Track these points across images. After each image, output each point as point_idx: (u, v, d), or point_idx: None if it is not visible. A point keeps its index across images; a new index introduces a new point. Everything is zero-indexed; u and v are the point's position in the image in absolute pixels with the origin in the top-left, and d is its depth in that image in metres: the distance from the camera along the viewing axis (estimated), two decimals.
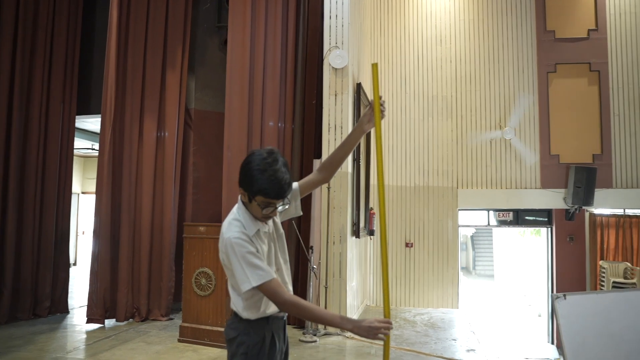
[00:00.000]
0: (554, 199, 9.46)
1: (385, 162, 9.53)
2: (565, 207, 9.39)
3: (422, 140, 9.73)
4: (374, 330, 2.08)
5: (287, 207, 2.33)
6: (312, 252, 5.90)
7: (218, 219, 6.83)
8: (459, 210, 9.59)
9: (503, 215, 9.96)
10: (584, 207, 9.28)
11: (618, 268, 9.06)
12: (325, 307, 5.93)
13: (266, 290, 2.20)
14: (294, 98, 6.44)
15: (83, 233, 15.19)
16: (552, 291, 9.51)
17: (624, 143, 9.49)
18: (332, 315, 2.20)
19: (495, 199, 9.61)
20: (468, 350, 5.22)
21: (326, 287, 5.97)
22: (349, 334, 5.74)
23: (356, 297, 6.91)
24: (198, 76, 7.54)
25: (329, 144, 6.15)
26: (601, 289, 8.98)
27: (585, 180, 9.02)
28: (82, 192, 15.25)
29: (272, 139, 6.42)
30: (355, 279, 6.78)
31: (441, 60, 9.84)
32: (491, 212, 10.01)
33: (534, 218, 9.83)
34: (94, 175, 13.19)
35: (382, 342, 2.20)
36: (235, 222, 2.29)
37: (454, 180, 9.62)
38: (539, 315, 11.22)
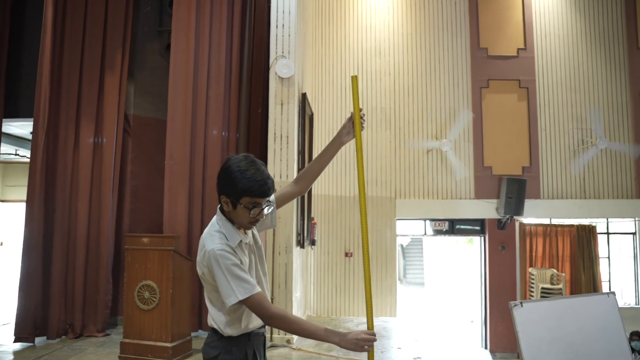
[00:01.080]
0: (487, 209, 9.84)
1: (325, 172, 9.56)
2: (498, 216, 9.79)
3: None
4: (361, 342, 2.06)
5: (272, 207, 2.27)
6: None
7: (158, 229, 6.58)
8: (397, 220, 9.78)
9: (439, 224, 10.24)
10: (514, 217, 9.71)
11: (545, 274, 9.52)
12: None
13: (252, 304, 2.12)
14: (238, 106, 6.34)
15: (1, 244, 14.23)
16: (485, 298, 9.86)
17: (550, 156, 10.03)
18: (317, 329, 2.15)
19: (431, 208, 9.87)
20: (415, 358, 5.29)
21: (272, 299, 5.89)
22: (295, 345, 5.68)
23: (300, 308, 6.86)
24: (137, 81, 7.26)
25: (275, 154, 6.09)
26: (530, 295, 9.41)
27: (516, 191, 9.45)
28: (2, 200, 14.31)
29: (216, 147, 6.28)
30: (299, 290, 6.73)
31: (380, 73, 10.03)
32: (427, 222, 10.27)
33: (468, 227, 10.17)
34: (16, 182, 12.43)
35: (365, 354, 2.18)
36: (216, 233, 2.20)
37: (393, 191, 9.80)
38: (472, 322, 11.60)
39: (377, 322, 8.09)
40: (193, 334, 5.61)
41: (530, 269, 9.65)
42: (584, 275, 9.69)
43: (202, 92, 6.22)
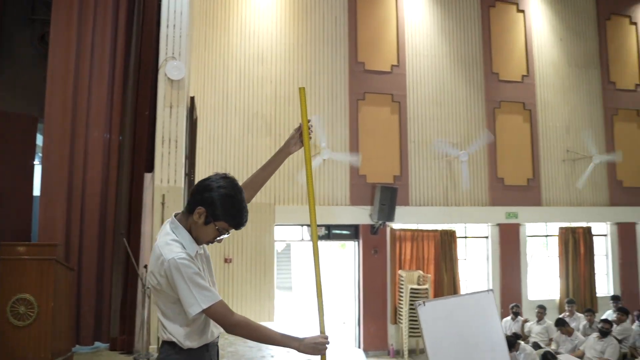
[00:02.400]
0: (361, 215, 10.35)
1: (204, 177, 9.43)
2: (371, 222, 10.33)
3: (241, 156, 9.87)
4: (319, 346, 2.15)
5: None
6: (146, 272, 5.58)
7: (25, 236, 6.09)
8: (276, 225, 9.92)
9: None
10: (386, 223, 10.32)
11: (413, 276, 10.23)
12: (159, 328, 5.67)
13: (215, 312, 2.10)
14: (123, 107, 6.08)
15: None
16: (359, 299, 10.34)
17: (418, 166, 10.81)
18: (277, 334, 2.18)
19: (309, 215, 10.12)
20: None
21: None
22: (154, 346, 5.56)
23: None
24: (3, 72, 6.66)
25: (162, 158, 5.94)
26: (400, 296, 10.05)
27: (389, 198, 10.05)
28: None
29: (97, 150, 5.97)
30: None
31: (262, 79, 10.14)
32: (305, 227, 10.53)
33: (344, 232, 10.60)
34: None
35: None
36: (173, 242, 2.15)
37: (272, 197, 9.93)
38: (344, 323, 12.06)
39: None
40: (73, 349, 5.27)
41: (399, 271, 10.30)
42: (446, 276, 10.57)
43: (84, 90, 5.89)
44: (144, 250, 5.90)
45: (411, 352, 9.93)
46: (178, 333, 2.19)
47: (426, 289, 9.94)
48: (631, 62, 12.72)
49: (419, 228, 10.76)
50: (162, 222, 5.89)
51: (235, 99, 9.92)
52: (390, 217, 10.10)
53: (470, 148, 10.89)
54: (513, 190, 11.39)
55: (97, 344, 5.93)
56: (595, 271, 11.64)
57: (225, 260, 9.42)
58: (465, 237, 11.35)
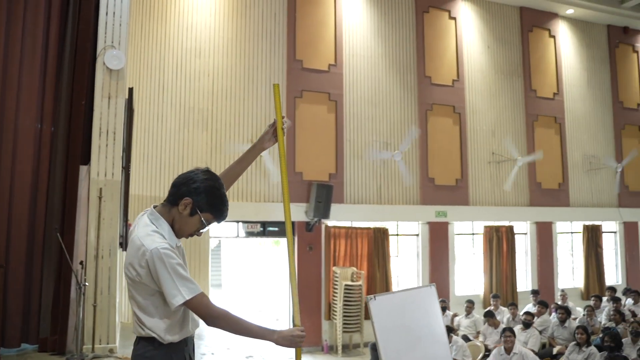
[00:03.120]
0: (297, 212, 10.39)
1: (139, 171, 9.18)
2: (307, 219, 10.40)
3: (177, 150, 9.67)
4: (296, 339, 2.15)
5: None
6: (82, 268, 5.35)
7: None
8: None
9: (252, 226, 10.50)
10: (322, 220, 10.43)
11: (347, 272, 10.40)
12: (94, 328, 5.45)
13: (197, 304, 2.07)
14: (56, 97, 5.80)
15: None
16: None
17: (353, 165, 11.01)
18: (256, 327, 2.18)
19: (245, 211, 10.08)
20: (247, 357, 5.42)
21: (95, 306, 5.48)
22: (120, 354, 5.38)
23: (119, 315, 6.50)
24: None
25: (100, 150, 5.73)
26: (334, 292, 10.19)
27: (324, 196, 10.16)
28: None
29: (27, 141, 5.65)
30: (118, 296, 6.38)
31: (200, 73, 9.97)
32: (240, 224, 10.45)
33: (279, 229, 10.61)
34: None
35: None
36: (154, 233, 2.11)
37: None
38: (277, 320, 12.06)
39: None
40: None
41: (334, 268, 10.43)
42: (378, 273, 10.82)
43: (13, 77, 5.56)
44: (78, 245, 5.64)
45: (345, 347, 10.09)
46: (158, 327, 2.15)
47: (360, 285, 10.14)
48: (550, 72, 13.55)
49: (353, 225, 10.95)
50: (99, 216, 5.69)
51: (172, 92, 9.70)
52: (325, 214, 10.21)
53: (401, 146, 11.19)
54: (443, 190, 11.83)
55: (24, 345, 5.62)
56: (516, 267, 12.31)
57: None
58: (397, 235, 11.67)
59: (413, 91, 11.82)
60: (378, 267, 10.86)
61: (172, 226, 2.22)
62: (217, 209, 2.23)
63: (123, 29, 5.88)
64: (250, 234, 10.56)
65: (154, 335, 2.14)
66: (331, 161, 10.85)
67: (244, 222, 10.38)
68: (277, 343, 2.17)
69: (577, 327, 6.78)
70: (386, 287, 10.77)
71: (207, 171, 2.29)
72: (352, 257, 10.77)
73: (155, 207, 2.28)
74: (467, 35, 12.53)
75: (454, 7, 12.37)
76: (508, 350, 6.31)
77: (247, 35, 10.38)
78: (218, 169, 8.58)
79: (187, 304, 2.07)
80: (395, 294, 3.31)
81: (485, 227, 12.26)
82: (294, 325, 2.31)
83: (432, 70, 12.05)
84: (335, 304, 10.10)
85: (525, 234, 12.84)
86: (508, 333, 6.38)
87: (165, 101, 9.62)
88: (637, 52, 15.00)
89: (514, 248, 12.34)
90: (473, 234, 12.47)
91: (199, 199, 2.19)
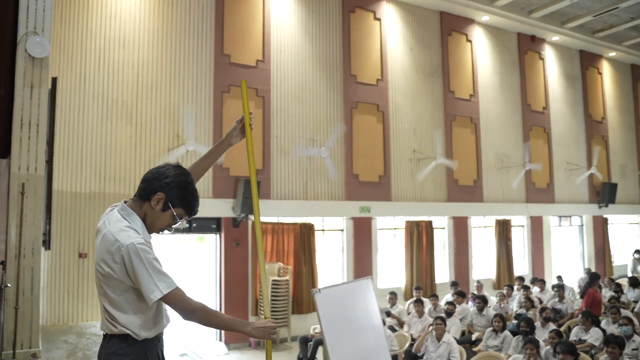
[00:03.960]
0: (224, 208, 10.32)
1: (58, 166, 8.74)
2: (234, 215, 10.35)
3: (99, 144, 9.31)
4: (269, 330, 2.19)
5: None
6: (3, 268, 5.04)
7: None
8: None
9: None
10: (249, 216, 10.42)
11: (274, 268, 10.46)
12: (15, 332, 5.15)
13: (174, 298, 2.05)
14: None
15: None
16: (220, 292, 10.30)
17: (280, 161, 11.08)
18: (231, 319, 2.24)
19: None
20: (182, 355, 5.36)
21: (16, 308, 5.18)
22: (43, 358, 5.15)
23: (41, 317, 6.19)
24: None
25: (21, 143, 5.43)
26: (261, 287, 10.19)
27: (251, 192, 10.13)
28: None
29: None
30: (41, 297, 6.08)
31: (123, 64, 9.64)
32: None
33: (206, 225, 10.48)
34: None
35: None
36: (128, 229, 2.07)
37: (132, 188, 9.50)
38: None
39: None
40: None
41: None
42: (305, 268, 10.96)
43: None
44: None
45: (272, 342, 10.13)
46: (132, 324, 2.13)
47: (287, 280, 10.23)
48: (467, 74, 14.26)
49: (280, 221, 11.02)
50: (21, 213, 5.39)
51: (94, 83, 9.31)
52: (252, 210, 10.17)
53: (328, 142, 11.38)
54: (366, 186, 12.16)
55: None
56: (435, 260, 12.89)
57: (80, 255, 8.82)
58: (323, 230, 11.87)
59: (339, 89, 12.05)
60: (304, 262, 10.99)
61: (144, 221, 2.21)
62: (189, 204, 2.25)
63: (47, 15, 5.60)
64: (176, 230, 10.32)
65: (128, 331, 2.13)
66: (258, 157, 10.84)
67: None
68: (251, 334, 2.23)
69: (495, 315, 7.25)
70: (312, 282, 10.93)
71: (178, 166, 2.31)
72: (278, 252, 10.84)
73: (125, 202, 2.25)
74: (391, 37, 12.94)
75: (379, 8, 12.72)
76: (439, 338, 6.64)
77: (174, 27, 10.15)
78: (143, 164, 8.42)
79: (165, 299, 2.07)
80: (338, 286, 3.43)
81: (407, 222, 12.73)
82: (265, 318, 2.37)
83: (358, 69, 12.33)
84: (262, 300, 10.11)
85: (443, 228, 13.47)
86: (439, 321, 6.71)
87: (86, 92, 9.22)
88: (542, 59, 16.11)
89: (433, 242, 12.91)
90: (395, 228, 12.91)
91: (171, 194, 2.21)
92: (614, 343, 5.64)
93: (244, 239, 10.55)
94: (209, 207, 10.16)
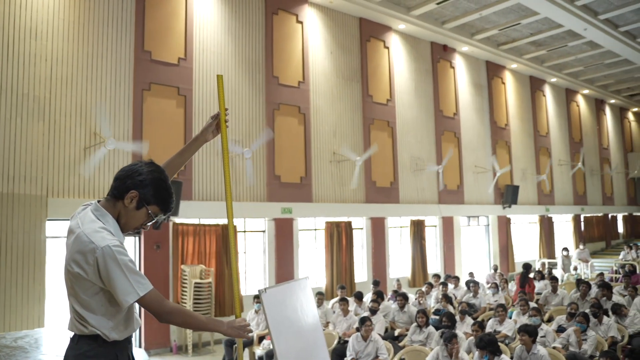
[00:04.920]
0: None
1: None
2: None
3: (7, 142, 8.70)
4: (244, 328, 2.20)
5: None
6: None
7: None
8: (49, 220, 8.98)
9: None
10: (170, 217, 10.15)
11: (196, 270, 10.27)
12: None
13: (151, 300, 2.00)
14: None
15: None
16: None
17: (202, 161, 10.90)
18: (206, 319, 2.21)
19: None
20: None
21: None
22: None
23: None
24: None
25: None
26: (184, 290, 10.00)
27: (174, 192, 9.89)
28: None
29: None
30: None
31: (35, 57, 9.08)
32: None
33: None
34: None
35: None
36: (103, 229, 1.98)
37: (44, 189, 8.98)
38: None
39: (37, 334, 7.32)
40: None
41: (182, 266, 10.23)
42: (227, 270, 10.84)
43: None
44: None
45: (194, 346, 9.96)
46: (103, 325, 2.09)
47: (209, 282, 10.08)
48: (384, 80, 14.76)
49: (202, 222, 10.84)
50: None
51: (2, 77, 8.69)
52: (174, 211, 9.96)
53: (253, 145, 11.37)
54: (288, 187, 12.25)
55: None
56: (354, 260, 13.21)
57: None
58: (245, 231, 11.81)
59: (261, 90, 12.05)
60: (226, 264, 10.88)
61: (118, 220, 2.15)
62: (164, 201, 2.23)
63: None
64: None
65: (98, 332, 2.08)
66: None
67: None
68: (227, 334, 2.25)
69: (418, 312, 7.58)
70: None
71: (151, 163, 2.29)
72: (200, 254, 10.66)
73: (99, 201, 2.18)
74: (313, 40, 13.12)
75: (302, 11, 12.86)
76: (365, 338, 6.82)
77: (91, 20, 9.69)
78: (56, 163, 8.12)
79: (141, 301, 2.05)
80: (281, 285, 3.48)
81: (327, 222, 12.96)
82: (236, 317, 2.39)
83: (280, 70, 12.40)
84: (185, 303, 9.91)
85: (362, 228, 13.84)
86: (369, 322, 6.89)
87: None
88: (453, 68, 17.00)
89: (352, 242, 13.23)
90: (315, 229, 13.09)
91: (145, 191, 2.17)
92: (524, 332, 6.11)
93: (165, 241, 10.28)
94: None
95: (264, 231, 12.04)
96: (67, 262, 2.07)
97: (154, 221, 2.27)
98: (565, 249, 16.98)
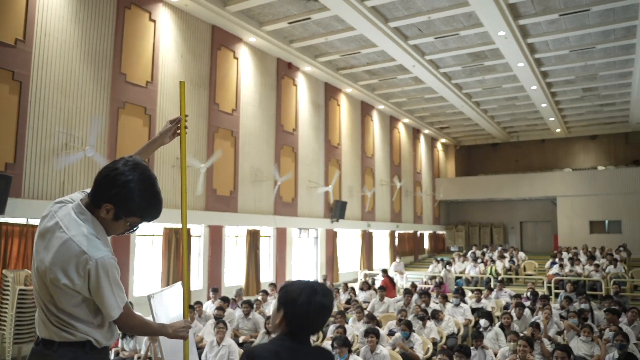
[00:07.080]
0: None
1: None
2: None
3: None
4: (185, 330, 2.23)
5: None
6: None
7: None
8: None
9: None
10: None
11: (20, 276, 9.28)
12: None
13: (126, 313, 1.97)
14: None
15: None
16: None
17: (36, 155, 9.95)
18: (156, 325, 2.30)
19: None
20: None
21: None
22: None
23: None
24: None
25: None
26: (5, 298, 8.97)
27: (1, 188, 8.90)
28: None
29: None
30: None
31: None
32: None
33: None
34: None
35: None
36: (95, 238, 1.84)
37: None
38: None
39: None
40: None
41: (4, 271, 9.18)
42: None
43: None
44: None
45: None
46: (96, 333, 2.06)
47: (31, 289, 9.17)
48: (231, 89, 14.88)
49: (30, 223, 9.86)
50: None
51: None
52: (1, 210, 8.94)
53: (90, 139, 10.65)
54: None
55: None
56: (191, 268, 13.05)
57: None
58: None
59: (107, 86, 11.39)
60: None
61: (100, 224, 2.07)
62: (143, 212, 2.13)
63: None
64: None
65: (89, 338, 2.02)
66: (10, 149, 9.56)
67: None
68: (172, 336, 2.31)
69: (267, 318, 7.87)
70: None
71: (134, 167, 2.07)
72: (26, 258, 9.66)
73: (82, 200, 2.04)
74: (164, 41, 12.79)
75: (155, 10, 12.47)
76: (219, 342, 6.89)
77: None
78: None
79: (120, 315, 2.02)
80: (164, 291, 3.54)
81: (165, 229, 12.62)
82: (184, 318, 2.46)
83: (128, 67, 11.85)
84: (5, 313, 8.90)
85: (200, 236, 13.73)
86: (221, 325, 6.97)
87: None
88: (296, 85, 17.78)
89: (190, 249, 13.06)
90: (153, 235, 12.67)
91: (120, 205, 2.07)
92: (372, 333, 6.83)
93: None
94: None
95: (199, 236, 11.29)
96: (50, 270, 1.94)
97: (137, 228, 2.23)
98: (449, 263, 18.49)
